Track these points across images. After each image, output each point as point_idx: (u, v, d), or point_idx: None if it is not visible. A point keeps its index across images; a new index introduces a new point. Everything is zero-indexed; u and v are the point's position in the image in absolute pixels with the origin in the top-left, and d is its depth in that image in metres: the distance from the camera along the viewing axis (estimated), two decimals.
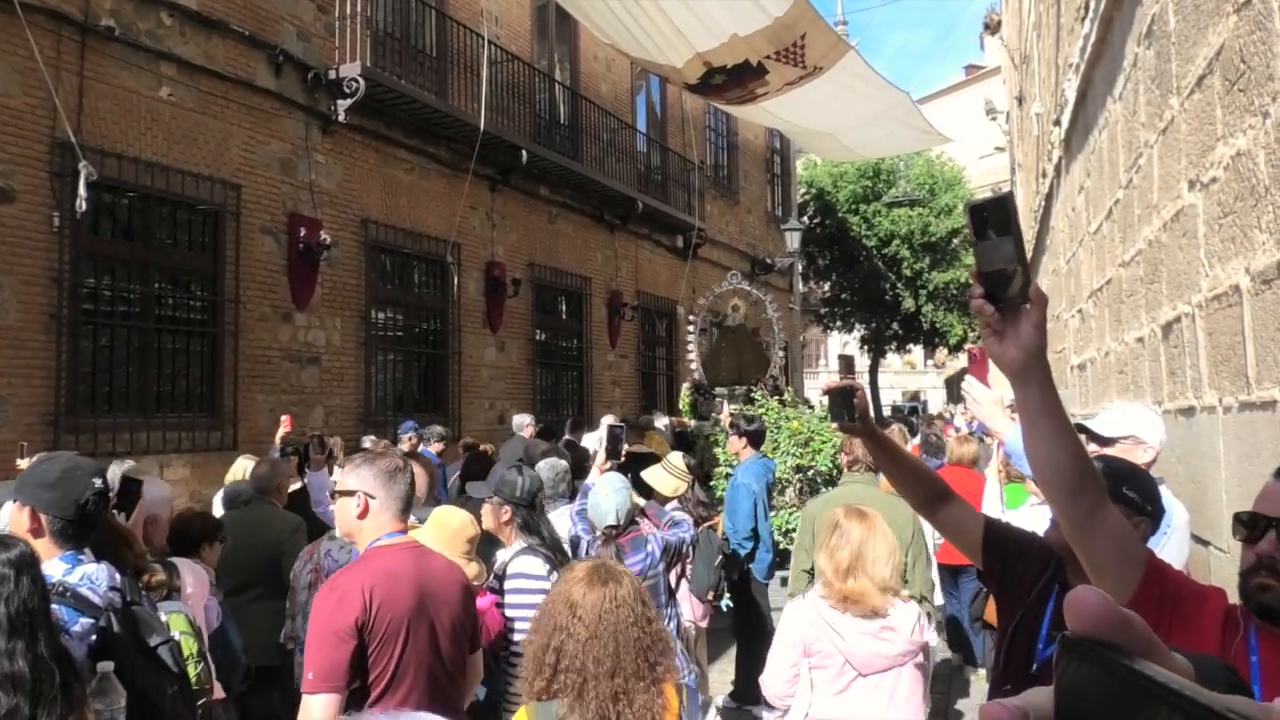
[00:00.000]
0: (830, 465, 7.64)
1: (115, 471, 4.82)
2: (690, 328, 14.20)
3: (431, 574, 2.87)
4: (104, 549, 2.70)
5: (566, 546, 4.45)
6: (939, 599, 6.65)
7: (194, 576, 3.42)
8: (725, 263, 19.44)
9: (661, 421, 11.66)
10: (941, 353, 39.99)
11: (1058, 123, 8.11)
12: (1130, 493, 2.24)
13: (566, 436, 10.32)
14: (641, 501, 5.01)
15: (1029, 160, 13.37)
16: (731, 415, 8.06)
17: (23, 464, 4.50)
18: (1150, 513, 2.30)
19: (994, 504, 5.45)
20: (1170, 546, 2.94)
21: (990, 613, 5.50)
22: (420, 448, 8.72)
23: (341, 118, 10.65)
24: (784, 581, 7.05)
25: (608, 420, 7.22)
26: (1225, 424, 3.12)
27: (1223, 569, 3.16)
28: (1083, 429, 3.25)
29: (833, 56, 9.46)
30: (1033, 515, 3.86)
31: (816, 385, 29.37)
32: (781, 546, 7.26)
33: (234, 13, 9.58)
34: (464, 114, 11.98)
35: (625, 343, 17.00)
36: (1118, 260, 5.27)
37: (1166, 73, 3.76)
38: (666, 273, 18.32)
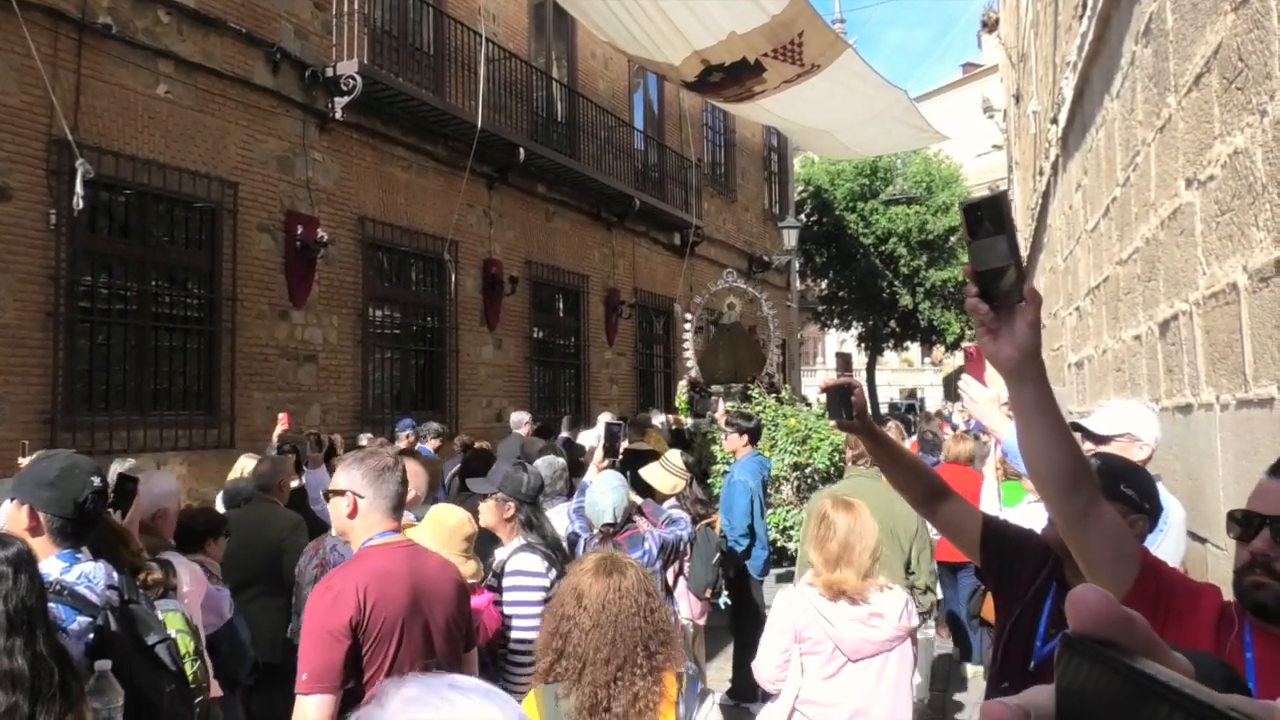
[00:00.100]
0: (828, 463, 7.65)
1: (117, 470, 4.84)
2: (686, 326, 14.20)
3: (425, 573, 2.85)
4: (100, 548, 2.70)
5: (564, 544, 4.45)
6: (937, 594, 6.67)
7: (190, 574, 3.42)
8: (722, 260, 19.45)
9: (658, 419, 11.66)
10: (939, 350, 40.04)
11: (1055, 121, 8.12)
12: (1128, 490, 2.24)
13: (563, 434, 10.33)
14: (638, 500, 5.01)
15: (1026, 158, 13.38)
16: (728, 413, 8.06)
17: (24, 463, 4.50)
18: (1148, 510, 2.30)
19: (991, 502, 5.45)
20: (1167, 544, 2.94)
21: (988, 610, 5.51)
22: (417, 445, 8.72)
23: (339, 115, 10.64)
24: (780, 580, 7.07)
25: (605, 418, 7.22)
26: (1223, 421, 3.13)
27: (1220, 566, 3.16)
28: (1078, 427, 3.25)
29: (830, 54, 9.46)
30: (1030, 513, 3.86)
31: (814, 383, 29.37)
32: (779, 544, 7.27)
33: (231, 10, 9.56)
34: (461, 112, 11.97)
35: (622, 340, 17.00)
36: (1115, 258, 5.28)
37: (1164, 71, 3.76)
38: (664, 270, 18.32)
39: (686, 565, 5.69)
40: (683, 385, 13.51)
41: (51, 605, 2.29)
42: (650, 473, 5.78)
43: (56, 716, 2.04)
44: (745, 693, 6.17)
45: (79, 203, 7.58)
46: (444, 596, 2.88)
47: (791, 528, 7.35)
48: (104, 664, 2.32)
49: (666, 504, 5.54)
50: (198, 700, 2.90)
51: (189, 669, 2.83)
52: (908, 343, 34.97)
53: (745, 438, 6.91)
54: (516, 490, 4.02)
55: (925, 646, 6.70)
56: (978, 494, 5.87)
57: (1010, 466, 4.86)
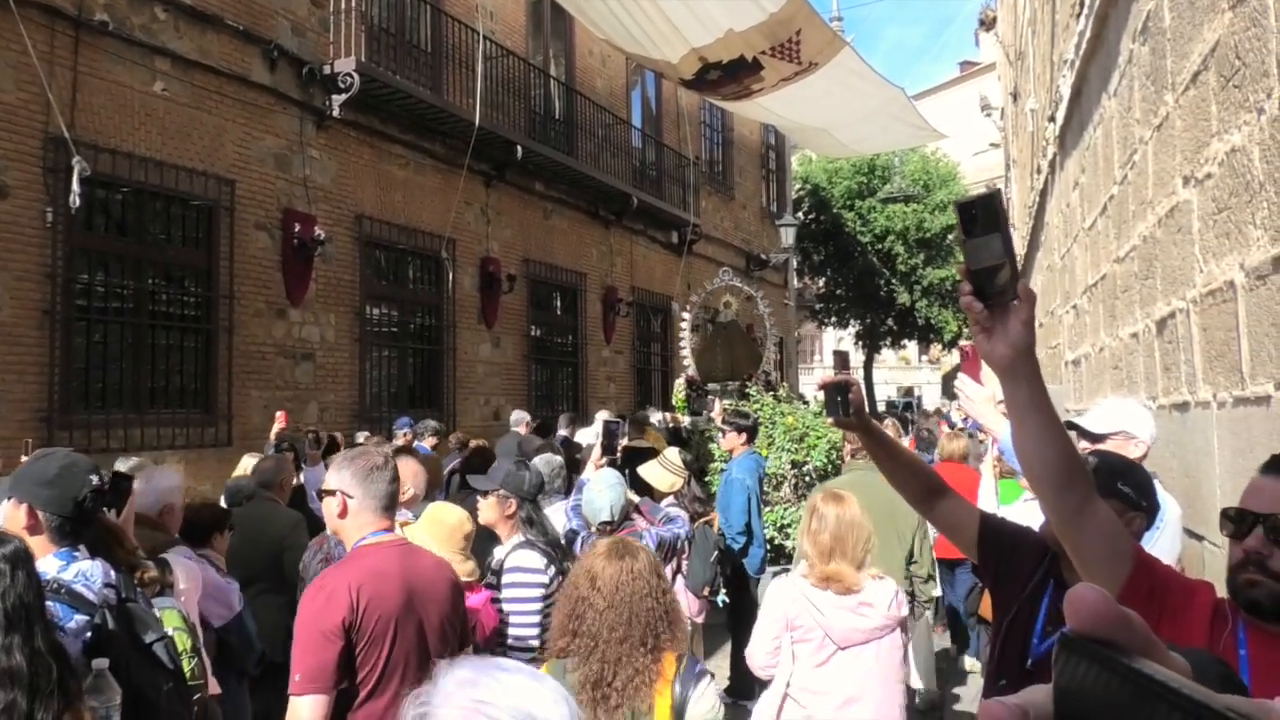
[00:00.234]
0: (825, 461, 7.65)
1: (122, 467, 4.86)
2: (684, 324, 14.20)
3: (419, 572, 2.84)
4: (96, 546, 2.70)
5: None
6: (936, 590, 6.68)
7: (187, 572, 3.41)
8: (720, 258, 19.44)
9: (655, 417, 11.66)
10: (936, 349, 40.05)
11: (1052, 119, 8.12)
12: (1125, 488, 2.25)
13: (561, 432, 10.32)
14: (636, 498, 5.01)
15: (1024, 156, 13.39)
16: (725, 411, 8.06)
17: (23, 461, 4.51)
18: (1145, 508, 2.31)
19: (989, 499, 5.46)
20: (1163, 541, 2.95)
21: (985, 607, 5.51)
22: (415, 443, 8.71)
23: (336, 113, 10.63)
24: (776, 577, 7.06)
25: (603, 416, 7.22)
26: (1219, 419, 3.13)
27: (1216, 563, 3.17)
28: (1073, 426, 3.26)
29: (828, 52, 9.45)
30: (1027, 510, 3.87)
31: (811, 381, 29.39)
32: (776, 542, 7.27)
33: (228, 7, 9.55)
34: (459, 109, 11.96)
35: (620, 338, 17.00)
36: (1112, 256, 5.28)
37: (1161, 69, 3.76)
38: (661, 268, 18.32)
39: (684, 563, 5.70)
40: (680, 383, 13.50)
41: (49, 604, 2.29)
42: (648, 471, 5.78)
43: (54, 714, 2.04)
44: (743, 690, 6.17)
45: (75, 200, 7.56)
46: (438, 595, 2.86)
47: (789, 525, 7.35)
48: (101, 662, 2.32)
49: (664, 502, 5.54)
50: (195, 697, 2.89)
51: (186, 666, 2.82)
52: (905, 341, 35.01)
53: (743, 436, 6.91)
54: (518, 488, 4.02)
55: (926, 641, 6.71)
56: (973, 491, 5.88)
57: (1006, 464, 4.87)
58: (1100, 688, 0.43)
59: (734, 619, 6.73)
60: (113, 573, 2.63)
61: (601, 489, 4.45)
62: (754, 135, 22.77)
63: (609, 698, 2.40)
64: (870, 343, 33.05)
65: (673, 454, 6.06)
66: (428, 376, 12.57)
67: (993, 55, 27.72)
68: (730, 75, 9.91)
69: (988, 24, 27.03)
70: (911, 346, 41.42)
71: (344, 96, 10.55)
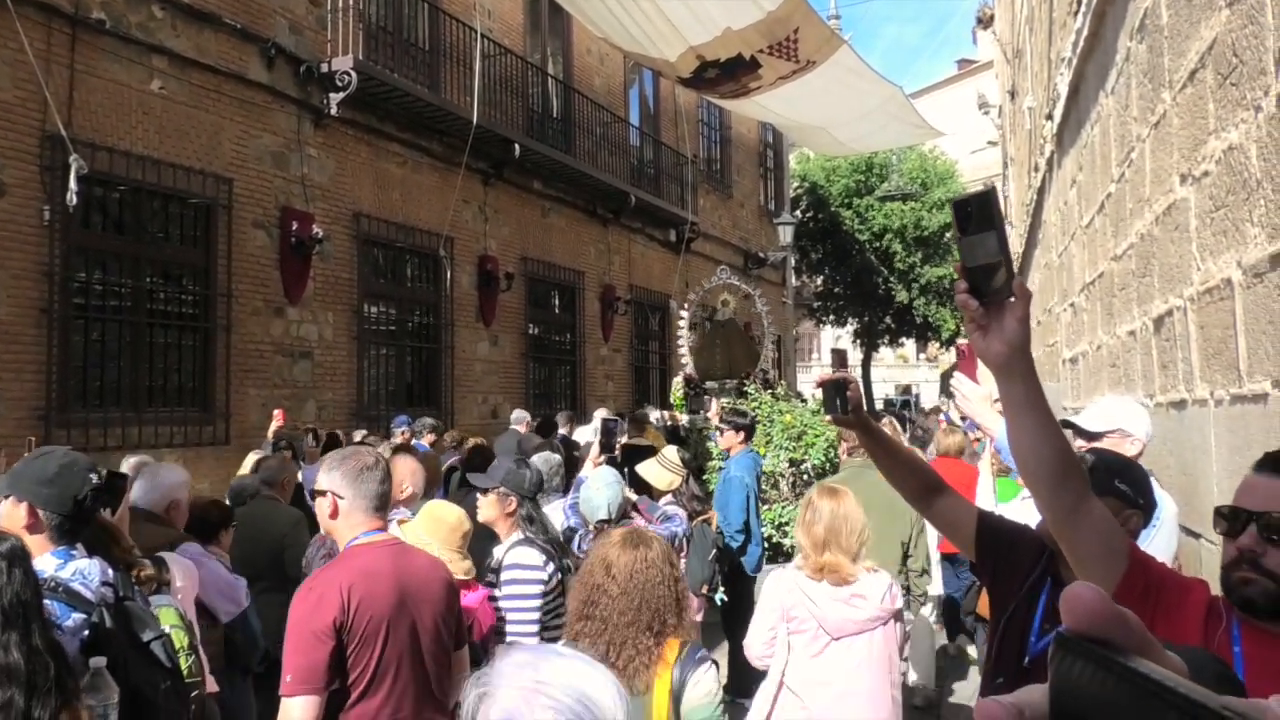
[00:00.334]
0: (823, 459, 7.65)
1: (129, 464, 4.89)
2: (682, 322, 14.20)
3: (412, 571, 2.83)
4: (93, 545, 2.70)
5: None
6: (938, 588, 6.69)
7: (183, 570, 3.41)
8: (718, 256, 19.45)
9: (654, 415, 11.67)
10: (934, 347, 40.05)
11: (1050, 117, 8.12)
12: (1122, 486, 2.25)
13: (560, 430, 10.31)
14: (634, 496, 5.01)
15: (1021, 154, 13.39)
16: (722, 409, 8.05)
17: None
18: (1142, 506, 2.31)
19: (987, 497, 5.47)
20: (1159, 539, 2.95)
21: (983, 605, 5.51)
22: (413, 441, 8.71)
23: (334, 111, 10.62)
24: None
25: (602, 414, 7.22)
26: (1217, 417, 3.13)
27: (1213, 561, 3.16)
28: (1069, 424, 3.26)
29: (825, 50, 9.46)
30: (1024, 509, 3.87)
31: (809, 379, 29.42)
32: (774, 540, 7.27)
33: (226, 6, 9.54)
34: (457, 107, 11.96)
35: (618, 337, 17.00)
36: (1109, 254, 5.28)
37: (1159, 67, 3.76)
38: (659, 267, 18.32)
39: (683, 561, 5.70)
40: (678, 382, 13.51)
41: (46, 602, 2.28)
42: (647, 469, 5.77)
43: (52, 712, 2.04)
44: (741, 688, 6.17)
45: (73, 199, 7.56)
46: (432, 595, 2.85)
47: (787, 523, 7.35)
48: (99, 661, 2.32)
49: (663, 500, 5.54)
50: (193, 695, 2.89)
51: (184, 664, 2.82)
52: (903, 339, 35.02)
53: (740, 434, 6.91)
54: (518, 486, 4.02)
55: (927, 639, 6.72)
56: (970, 486, 5.89)
57: (1003, 462, 4.87)
58: (1096, 687, 0.43)
59: (732, 617, 6.73)
60: (110, 571, 2.62)
61: (599, 487, 4.45)
62: (752, 133, 22.77)
63: None
64: (868, 341, 33.05)
65: (671, 452, 6.06)
66: (426, 375, 12.57)
67: (990, 53, 27.72)
68: (728, 73, 9.91)
69: (985, 22, 27.02)
70: (909, 345, 41.43)
71: (341, 95, 10.54)
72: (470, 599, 3.59)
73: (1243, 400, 2.80)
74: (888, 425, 8.53)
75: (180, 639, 2.86)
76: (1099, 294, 5.86)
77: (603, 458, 5.45)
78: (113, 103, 8.42)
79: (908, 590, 5.10)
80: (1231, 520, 1.67)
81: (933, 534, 5.49)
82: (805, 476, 7.77)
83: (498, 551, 4.03)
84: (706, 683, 2.51)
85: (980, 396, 2.99)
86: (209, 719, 3.27)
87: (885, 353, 41.42)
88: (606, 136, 16.27)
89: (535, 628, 3.77)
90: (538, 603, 3.79)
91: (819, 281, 32.03)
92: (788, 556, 7.04)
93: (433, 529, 3.67)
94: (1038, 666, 2.23)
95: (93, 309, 8.40)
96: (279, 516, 5.35)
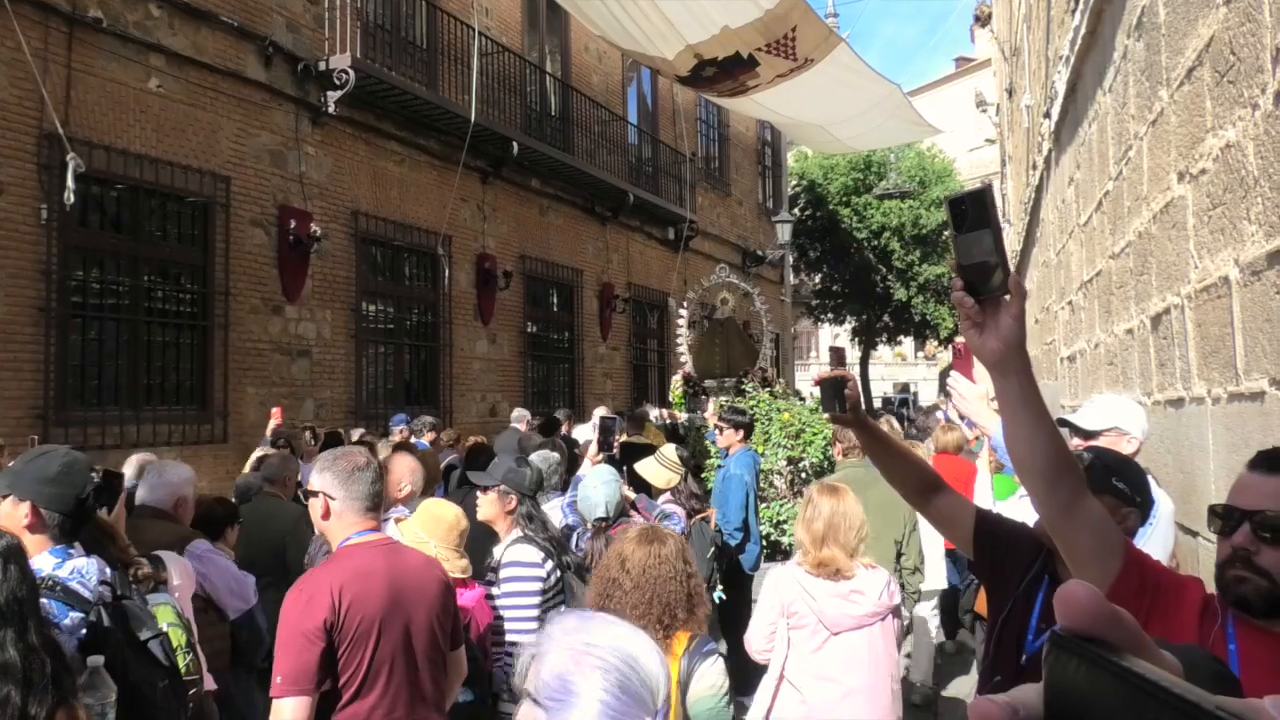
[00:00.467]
0: (821, 457, 7.66)
1: (139, 462, 4.92)
2: (681, 321, 14.21)
3: (406, 571, 2.81)
4: (90, 544, 2.70)
5: None
6: (942, 581, 6.70)
7: (180, 569, 3.41)
8: (716, 255, 19.45)
9: (653, 413, 11.67)
10: (932, 345, 40.07)
11: (1048, 115, 8.12)
12: (1120, 484, 2.25)
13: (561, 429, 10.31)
14: (632, 494, 5.01)
15: (1019, 152, 13.39)
16: (720, 408, 8.06)
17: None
18: (1139, 504, 2.31)
19: (985, 495, 5.48)
20: (1155, 537, 2.95)
21: (981, 604, 5.51)
22: (412, 439, 8.72)
23: (331, 109, 10.61)
24: None
25: (601, 412, 7.22)
26: (1214, 415, 3.14)
27: (1211, 559, 3.16)
28: (1065, 423, 3.26)
29: (824, 49, 9.46)
30: (1022, 506, 3.88)
31: (807, 377, 29.43)
32: (772, 538, 7.27)
33: (223, 4, 9.54)
34: (454, 106, 11.95)
35: (616, 335, 17.00)
36: (1107, 252, 5.29)
37: (1156, 65, 3.76)
38: (658, 265, 18.32)
39: None
40: (677, 380, 13.52)
41: (44, 601, 2.28)
42: (645, 467, 5.77)
43: (48, 709, 2.04)
44: (740, 685, 6.16)
45: (70, 197, 7.55)
46: (426, 595, 2.83)
47: (785, 521, 7.36)
48: (97, 659, 2.32)
49: (661, 499, 5.54)
50: (191, 693, 2.89)
51: (181, 662, 2.82)
52: (901, 337, 35.02)
53: (739, 433, 6.92)
54: (519, 484, 4.02)
55: (926, 637, 6.72)
56: (969, 482, 5.90)
57: (1000, 460, 4.88)
58: (1090, 686, 0.43)
59: (730, 615, 6.73)
60: (108, 570, 2.62)
61: (597, 485, 4.45)
62: (750, 132, 22.76)
63: None
64: (866, 339, 33.07)
65: (669, 451, 6.06)
66: (424, 373, 12.57)
67: (988, 51, 27.73)
68: (726, 72, 9.91)
69: (983, 20, 27.01)
70: (907, 343, 41.45)
71: (339, 93, 10.53)
72: (467, 598, 3.58)
73: (1240, 398, 2.80)
74: (884, 423, 8.56)
75: (178, 637, 2.86)
76: (1097, 292, 5.86)
77: (601, 456, 5.45)
78: (110, 101, 8.41)
79: (902, 588, 5.12)
80: (1225, 519, 1.67)
81: (930, 531, 5.49)
82: (803, 475, 7.78)
83: (497, 549, 4.03)
84: (712, 675, 2.57)
85: (977, 395, 2.99)
86: (207, 717, 3.27)
87: (883, 351, 41.47)
88: (605, 135, 16.26)
89: (534, 625, 3.76)
90: (537, 600, 3.79)
91: (817, 279, 32.02)
92: (785, 554, 7.05)
93: (430, 527, 3.67)
94: (1035, 665, 2.22)
95: (90, 308, 8.39)
96: (281, 513, 5.37)
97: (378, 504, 2.86)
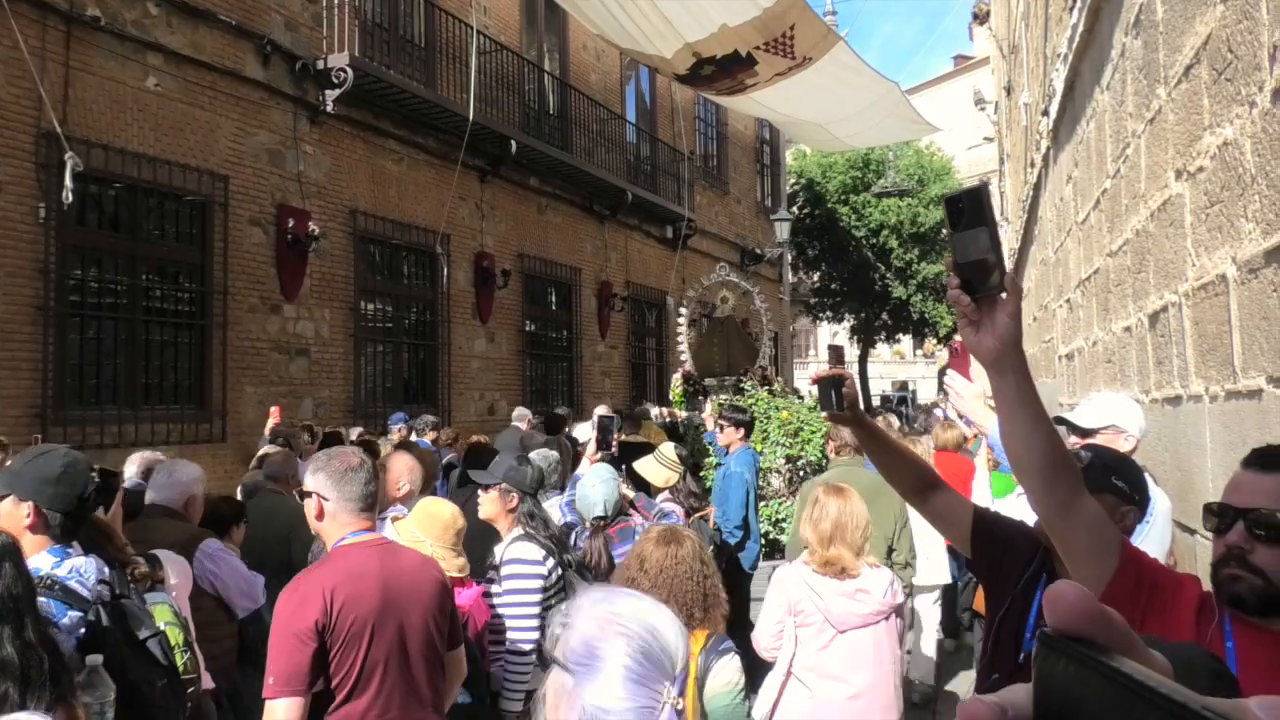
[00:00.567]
0: (820, 455, 7.66)
1: (142, 460, 4.95)
2: (680, 319, 14.21)
3: (401, 572, 2.80)
4: (87, 543, 2.70)
5: None
6: (945, 576, 6.71)
7: (176, 568, 3.42)
8: (715, 253, 19.45)
9: (653, 411, 11.67)
10: (931, 343, 40.09)
11: (1046, 113, 8.12)
12: (1119, 482, 2.25)
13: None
14: (630, 493, 5.01)
15: (1017, 150, 13.39)
16: (719, 407, 8.06)
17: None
18: (1138, 502, 2.31)
19: (983, 493, 5.48)
20: (1152, 535, 2.96)
21: (979, 602, 5.51)
22: (414, 438, 8.73)
23: (330, 108, 10.61)
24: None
25: (601, 411, 7.22)
26: (1211, 413, 3.14)
27: (1208, 557, 3.17)
28: (1062, 421, 3.26)
29: (822, 47, 9.47)
30: (1019, 504, 3.88)
31: (806, 375, 29.41)
32: (771, 536, 7.27)
33: (221, 3, 9.53)
34: (453, 104, 11.94)
35: (615, 333, 17.00)
36: (1105, 250, 5.29)
37: (1154, 62, 3.76)
38: (656, 263, 18.31)
39: None
40: (677, 379, 13.52)
41: (43, 600, 2.29)
42: (644, 466, 5.78)
43: (46, 705, 2.04)
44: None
45: (68, 196, 7.54)
46: (421, 595, 2.82)
47: (783, 520, 7.36)
48: (96, 658, 2.32)
49: (660, 497, 5.55)
50: (189, 691, 2.90)
51: (179, 661, 2.82)
52: (900, 335, 35.03)
53: (740, 431, 6.92)
54: (520, 482, 4.02)
55: (924, 632, 6.72)
56: (969, 479, 5.91)
57: (997, 458, 4.89)
58: (1079, 687, 0.43)
59: (730, 614, 6.73)
60: (106, 569, 2.63)
61: (594, 484, 4.45)
62: (748, 130, 22.76)
63: None
64: (865, 337, 33.07)
65: (668, 449, 6.07)
66: (422, 372, 12.57)
67: (986, 49, 27.73)
68: (724, 70, 9.92)
69: (981, 18, 27.02)
70: (906, 341, 41.47)
71: (337, 91, 10.52)
72: (464, 597, 3.58)
73: (1237, 396, 2.80)
74: (881, 421, 8.56)
75: (175, 636, 2.86)
76: (1095, 290, 5.87)
77: (599, 455, 5.45)
78: (108, 100, 8.40)
79: None
80: (1220, 517, 1.67)
81: (929, 526, 5.50)
82: (802, 473, 7.78)
83: (499, 547, 4.03)
84: (728, 672, 2.64)
85: (973, 394, 2.99)
86: (205, 716, 3.27)
87: (882, 349, 41.45)
88: (603, 133, 16.26)
89: (535, 622, 3.76)
90: (538, 597, 3.79)
91: (815, 278, 32.02)
92: (784, 553, 7.05)
93: (426, 526, 3.67)
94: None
95: (89, 307, 8.39)
96: (284, 510, 5.37)
97: (372, 504, 2.85)
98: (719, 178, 21.47)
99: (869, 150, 26.85)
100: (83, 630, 2.43)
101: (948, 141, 28.29)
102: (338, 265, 10.94)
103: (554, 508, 4.99)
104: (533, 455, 5.28)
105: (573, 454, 7.28)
